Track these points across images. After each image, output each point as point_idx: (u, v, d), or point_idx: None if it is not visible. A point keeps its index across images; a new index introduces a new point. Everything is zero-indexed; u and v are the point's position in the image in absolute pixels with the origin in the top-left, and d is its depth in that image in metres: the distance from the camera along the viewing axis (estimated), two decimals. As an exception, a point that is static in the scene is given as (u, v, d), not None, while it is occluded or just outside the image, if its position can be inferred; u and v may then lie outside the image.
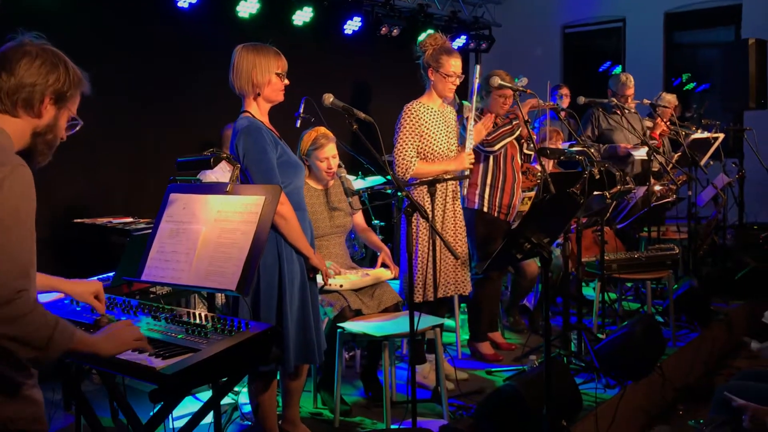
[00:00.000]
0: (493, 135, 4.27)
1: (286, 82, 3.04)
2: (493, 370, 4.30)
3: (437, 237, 3.82)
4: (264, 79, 2.98)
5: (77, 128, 1.89)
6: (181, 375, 1.85)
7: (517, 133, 4.36)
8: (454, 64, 3.92)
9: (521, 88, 4.12)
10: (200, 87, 5.59)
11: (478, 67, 4.22)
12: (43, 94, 1.76)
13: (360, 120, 3.01)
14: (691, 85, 8.74)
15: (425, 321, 3.50)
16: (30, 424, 1.71)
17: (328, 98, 3.02)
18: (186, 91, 5.53)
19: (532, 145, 4.26)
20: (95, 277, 3.17)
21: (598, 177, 4.18)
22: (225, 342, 2.00)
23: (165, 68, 5.46)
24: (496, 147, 4.30)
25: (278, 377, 3.27)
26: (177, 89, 5.52)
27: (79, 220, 4.64)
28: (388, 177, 2.95)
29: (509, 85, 4.09)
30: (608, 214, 4.70)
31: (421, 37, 4.05)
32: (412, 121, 3.90)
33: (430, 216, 3.77)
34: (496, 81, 4.07)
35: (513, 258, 2.75)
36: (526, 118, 4.16)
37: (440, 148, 3.94)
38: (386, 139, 3.81)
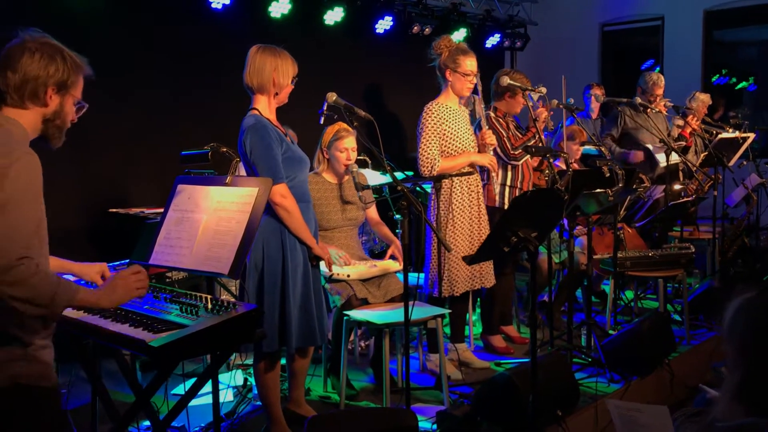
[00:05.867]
0: (520, 151, 4.42)
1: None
2: (502, 362, 4.41)
3: (450, 232, 3.98)
4: (284, 82, 3.20)
5: (84, 110, 2.09)
6: (168, 348, 2.06)
7: (533, 141, 4.48)
8: (470, 64, 4.06)
9: (531, 88, 4.20)
10: (232, 85, 5.78)
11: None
12: (46, 85, 1.96)
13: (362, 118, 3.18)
14: (743, 84, 8.60)
15: (426, 311, 3.65)
16: (37, 380, 1.90)
17: (332, 97, 3.19)
18: (219, 88, 5.76)
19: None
20: (117, 263, 3.42)
21: (608, 175, 4.25)
22: (212, 320, 2.20)
23: (199, 67, 5.71)
24: (521, 161, 4.46)
25: (284, 361, 3.47)
26: (211, 87, 5.76)
27: (114, 210, 4.94)
28: (387, 173, 3.10)
29: (518, 84, 4.18)
30: (621, 212, 4.74)
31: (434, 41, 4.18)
32: (433, 121, 4.04)
33: (435, 212, 3.90)
34: (505, 80, 4.17)
35: (500, 251, 2.87)
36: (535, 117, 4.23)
37: (462, 145, 4.08)
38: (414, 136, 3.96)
